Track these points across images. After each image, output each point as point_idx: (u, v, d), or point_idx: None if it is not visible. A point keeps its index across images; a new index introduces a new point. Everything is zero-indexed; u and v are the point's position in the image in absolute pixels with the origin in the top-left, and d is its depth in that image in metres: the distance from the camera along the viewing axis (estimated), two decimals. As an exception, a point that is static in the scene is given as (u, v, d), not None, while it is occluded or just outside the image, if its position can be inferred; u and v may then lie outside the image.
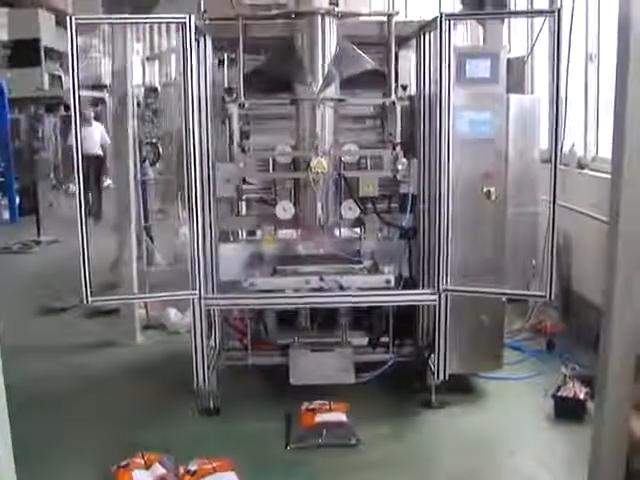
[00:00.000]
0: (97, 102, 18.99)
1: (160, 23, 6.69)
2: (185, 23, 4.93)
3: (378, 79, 5.77)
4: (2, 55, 19.87)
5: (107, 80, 20.10)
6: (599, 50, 7.14)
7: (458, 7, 7.65)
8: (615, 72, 3.92)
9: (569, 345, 6.75)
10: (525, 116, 5.74)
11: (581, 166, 7.35)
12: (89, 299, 5.10)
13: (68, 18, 4.82)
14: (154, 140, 9.31)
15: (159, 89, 12.70)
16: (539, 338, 7.03)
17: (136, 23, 7.25)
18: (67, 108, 21.67)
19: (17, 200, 16.55)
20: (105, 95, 18.93)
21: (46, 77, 20.47)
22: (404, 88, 5.73)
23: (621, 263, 3.89)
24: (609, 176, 3.86)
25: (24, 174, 16.66)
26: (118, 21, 5.98)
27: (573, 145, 7.57)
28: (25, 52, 19.74)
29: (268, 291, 5.57)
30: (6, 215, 16.61)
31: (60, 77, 21.00)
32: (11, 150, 16.75)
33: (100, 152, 15.53)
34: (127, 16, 5.81)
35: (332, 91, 5.56)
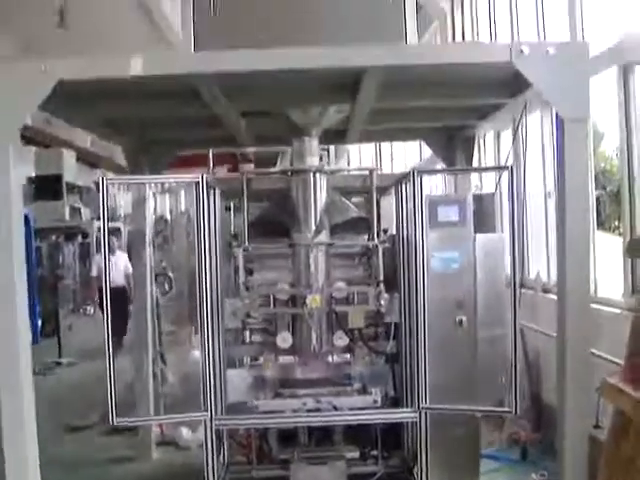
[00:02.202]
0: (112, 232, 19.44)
1: (178, 182, 7.13)
2: (198, 182, 5.51)
3: (363, 224, 6.33)
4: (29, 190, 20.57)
5: (121, 211, 20.84)
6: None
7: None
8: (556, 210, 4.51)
9: (542, 452, 7.03)
10: (491, 252, 6.20)
11: (545, 290, 7.84)
12: (115, 420, 5.38)
13: (100, 179, 5.30)
14: (168, 273, 9.62)
15: (169, 220, 13.18)
16: (515, 447, 7.29)
17: (158, 182, 7.82)
18: (85, 236, 22.36)
19: (39, 323, 16.87)
20: (120, 225, 19.56)
21: (67, 209, 21.07)
22: (385, 232, 6.26)
23: (570, 370, 4.39)
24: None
25: (46, 299, 17.03)
26: (143, 181, 6.54)
27: (538, 272, 8.09)
28: (49, 186, 20.35)
29: (270, 412, 5.90)
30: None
31: (79, 209, 21.67)
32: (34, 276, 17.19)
33: (124, 282, 13.70)
34: (150, 177, 6.37)
35: (323, 236, 6.06)
